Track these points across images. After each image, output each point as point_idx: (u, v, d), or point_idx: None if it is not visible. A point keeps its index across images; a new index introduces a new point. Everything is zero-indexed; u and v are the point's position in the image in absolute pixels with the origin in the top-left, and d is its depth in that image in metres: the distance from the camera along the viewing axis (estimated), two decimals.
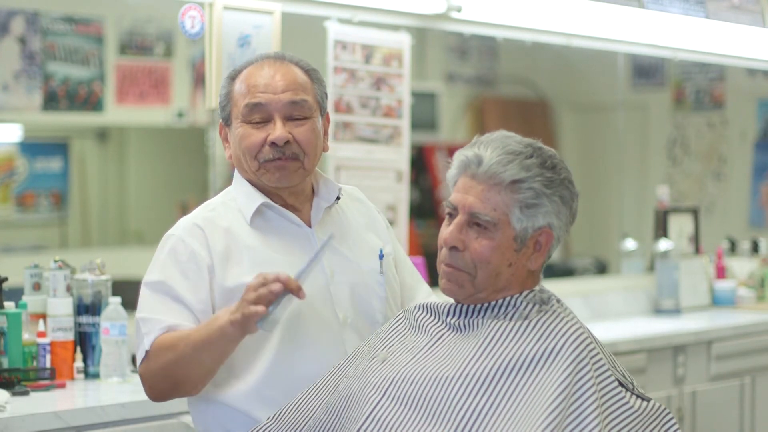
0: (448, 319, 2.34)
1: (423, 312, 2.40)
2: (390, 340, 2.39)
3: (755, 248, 5.91)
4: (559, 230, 2.33)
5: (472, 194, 2.29)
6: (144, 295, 2.48)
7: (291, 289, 2.28)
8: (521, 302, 2.30)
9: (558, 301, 2.34)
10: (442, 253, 2.33)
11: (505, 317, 2.29)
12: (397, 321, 2.44)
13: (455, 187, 2.34)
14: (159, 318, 2.43)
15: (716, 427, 4.80)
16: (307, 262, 2.33)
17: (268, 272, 2.30)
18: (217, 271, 2.47)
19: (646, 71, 7.50)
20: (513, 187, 2.28)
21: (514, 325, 2.26)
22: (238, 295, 2.39)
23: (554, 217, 2.31)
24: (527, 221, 2.29)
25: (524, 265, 2.32)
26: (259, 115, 2.50)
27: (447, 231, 2.32)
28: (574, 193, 2.34)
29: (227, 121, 2.57)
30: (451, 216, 2.33)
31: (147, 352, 2.42)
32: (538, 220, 2.30)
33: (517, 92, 7.96)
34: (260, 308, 2.26)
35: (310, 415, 2.34)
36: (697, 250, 5.61)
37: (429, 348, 2.31)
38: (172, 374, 2.42)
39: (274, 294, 2.27)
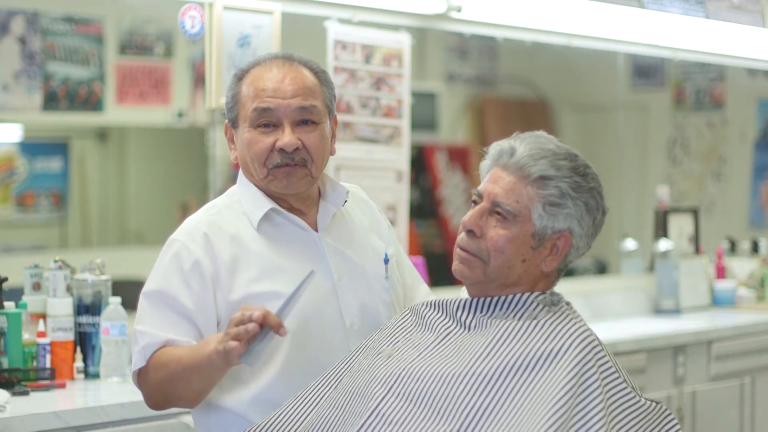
0: (458, 314, 2.34)
1: (430, 309, 2.40)
2: (395, 336, 2.39)
3: (755, 248, 5.91)
4: (579, 239, 2.33)
5: (500, 184, 2.31)
6: (143, 305, 2.45)
7: (271, 326, 2.22)
8: (531, 302, 2.30)
9: (568, 304, 2.35)
10: (460, 237, 2.34)
11: (513, 316, 2.30)
12: (403, 317, 2.44)
13: (486, 177, 2.35)
14: (156, 333, 2.40)
15: (716, 427, 4.80)
16: (287, 299, 2.27)
17: (250, 307, 2.24)
18: (223, 282, 2.44)
19: (646, 71, 7.50)
20: (540, 182, 2.29)
21: (522, 324, 2.26)
22: (243, 306, 2.40)
23: (576, 223, 2.31)
24: (548, 220, 2.30)
25: (538, 264, 2.33)
26: (267, 119, 2.46)
27: (467, 215, 2.33)
28: (601, 206, 2.35)
29: (234, 123, 2.52)
30: (477, 204, 2.34)
31: (143, 367, 2.42)
32: (559, 222, 2.30)
33: (517, 92, 7.96)
34: (236, 345, 2.22)
35: (313, 408, 2.34)
36: (697, 250, 5.61)
37: (435, 345, 2.31)
38: (166, 391, 2.42)
39: (250, 334, 2.21)
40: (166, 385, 2.41)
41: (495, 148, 2.37)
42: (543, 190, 2.30)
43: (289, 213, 2.52)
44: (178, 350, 2.38)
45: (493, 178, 2.33)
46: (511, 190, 2.30)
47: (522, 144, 2.33)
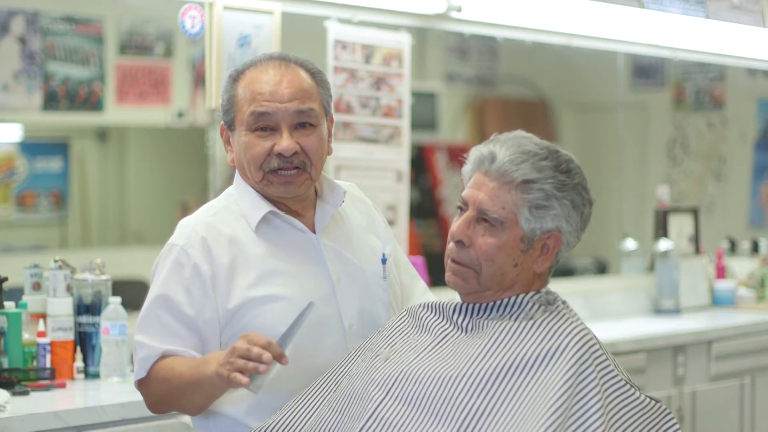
0: (455, 317, 2.34)
1: (428, 311, 2.40)
2: (393, 338, 2.39)
3: (755, 248, 5.91)
4: (568, 235, 2.33)
5: (484, 191, 2.30)
6: (145, 313, 2.45)
7: (274, 356, 2.22)
8: (527, 302, 2.30)
9: (564, 302, 2.34)
10: (449, 247, 2.34)
11: (510, 317, 2.29)
12: (401, 320, 2.43)
13: (469, 182, 2.34)
14: (154, 345, 2.41)
15: (716, 427, 4.80)
16: (287, 329, 2.26)
17: (253, 336, 2.24)
18: (220, 288, 2.43)
19: (646, 71, 7.50)
20: (523, 186, 2.28)
21: (519, 325, 2.26)
22: (242, 311, 2.41)
23: (564, 221, 2.31)
24: (535, 223, 2.29)
25: (530, 266, 2.32)
26: (264, 123, 2.44)
27: (455, 225, 2.32)
28: (587, 200, 2.34)
29: (230, 125, 2.50)
30: (462, 211, 2.33)
31: (144, 378, 2.43)
32: (546, 223, 2.30)
33: (517, 92, 7.96)
34: (244, 380, 2.22)
35: (312, 412, 2.34)
36: (697, 250, 5.61)
37: (433, 347, 2.31)
38: (168, 403, 2.46)
39: (260, 371, 2.22)
40: (168, 398, 2.43)
41: (474, 153, 2.34)
42: (528, 194, 2.28)
43: (287, 215, 2.51)
44: (179, 365, 2.39)
45: (476, 184, 2.32)
46: (496, 197, 2.29)
47: (502, 148, 2.31)
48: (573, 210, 2.32)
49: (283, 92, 2.45)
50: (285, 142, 2.43)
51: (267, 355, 2.21)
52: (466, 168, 2.36)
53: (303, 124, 2.46)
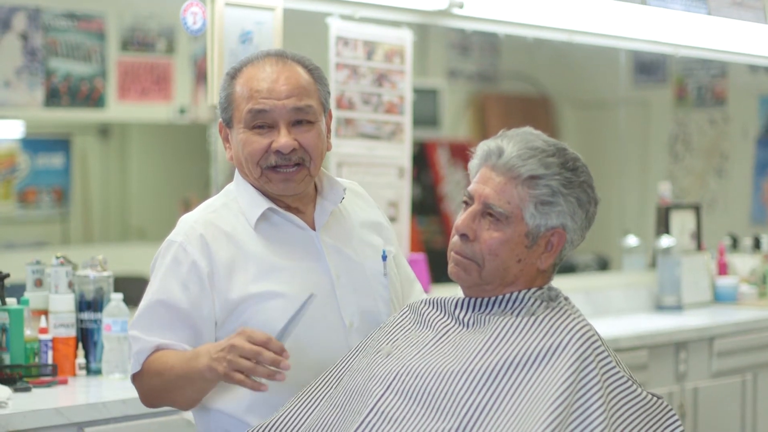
0: (456, 312, 2.34)
1: (429, 307, 2.40)
2: (395, 334, 2.39)
3: (757, 245, 5.91)
4: (573, 233, 2.33)
5: (490, 185, 2.30)
6: (141, 308, 2.45)
7: (274, 352, 2.22)
8: (529, 298, 2.30)
9: (566, 298, 2.34)
10: (453, 240, 2.34)
11: (512, 313, 2.29)
12: (402, 316, 2.44)
13: (475, 177, 2.34)
14: (147, 339, 2.41)
15: (718, 423, 4.80)
16: (287, 322, 2.25)
17: (251, 332, 2.23)
18: (219, 283, 2.43)
19: (648, 68, 7.49)
20: (530, 182, 2.28)
21: (521, 321, 2.26)
22: (241, 307, 2.41)
23: (569, 219, 2.31)
24: (540, 219, 2.29)
25: (533, 263, 2.32)
26: (262, 121, 2.44)
27: (460, 218, 2.32)
28: (593, 198, 2.34)
29: (228, 123, 2.50)
30: (468, 205, 2.33)
31: (138, 372, 2.44)
32: (551, 219, 2.30)
33: (518, 89, 7.95)
34: (240, 377, 2.23)
35: (313, 409, 2.34)
36: (699, 247, 5.61)
37: (434, 343, 2.31)
38: (161, 397, 2.46)
39: (254, 372, 2.22)
40: (160, 392, 2.43)
41: (482, 148, 2.35)
42: (534, 190, 2.29)
43: (287, 212, 2.50)
44: (172, 358, 2.38)
45: (482, 178, 2.32)
46: (502, 191, 2.29)
47: (510, 143, 2.31)
48: (578, 208, 2.32)
49: (280, 89, 2.44)
50: (283, 140, 2.43)
51: (261, 338, 2.21)
52: (473, 162, 2.37)
53: (301, 121, 2.46)
